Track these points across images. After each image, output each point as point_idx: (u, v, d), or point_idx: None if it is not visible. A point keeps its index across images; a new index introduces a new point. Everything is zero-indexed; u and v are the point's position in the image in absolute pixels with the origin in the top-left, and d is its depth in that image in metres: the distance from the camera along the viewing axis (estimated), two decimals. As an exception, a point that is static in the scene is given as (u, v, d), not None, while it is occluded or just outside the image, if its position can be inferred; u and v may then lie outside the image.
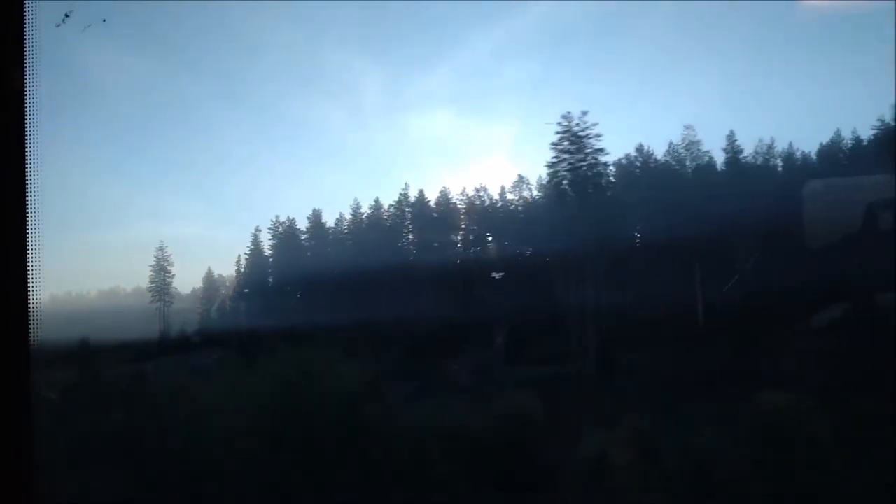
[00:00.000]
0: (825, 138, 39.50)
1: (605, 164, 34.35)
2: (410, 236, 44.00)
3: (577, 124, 32.70)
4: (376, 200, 44.81)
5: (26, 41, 3.18)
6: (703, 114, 51.95)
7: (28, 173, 3.19)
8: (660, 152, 40.30)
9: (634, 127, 53.49)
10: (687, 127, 39.07)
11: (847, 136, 38.51)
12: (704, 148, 39.06)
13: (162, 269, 43.90)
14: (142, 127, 53.05)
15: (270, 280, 46.29)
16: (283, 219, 45.92)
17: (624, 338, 29.23)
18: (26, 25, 3.17)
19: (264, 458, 17.95)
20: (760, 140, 39.27)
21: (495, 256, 41.65)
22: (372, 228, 44.21)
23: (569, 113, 32.75)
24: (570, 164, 33.50)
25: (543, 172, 38.76)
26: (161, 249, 43.72)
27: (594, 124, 32.74)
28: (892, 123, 29.59)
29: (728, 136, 38.60)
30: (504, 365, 31.03)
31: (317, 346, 25.09)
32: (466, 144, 59.81)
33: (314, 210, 45.51)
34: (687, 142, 39.06)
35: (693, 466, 16.97)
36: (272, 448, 18.19)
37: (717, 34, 46.93)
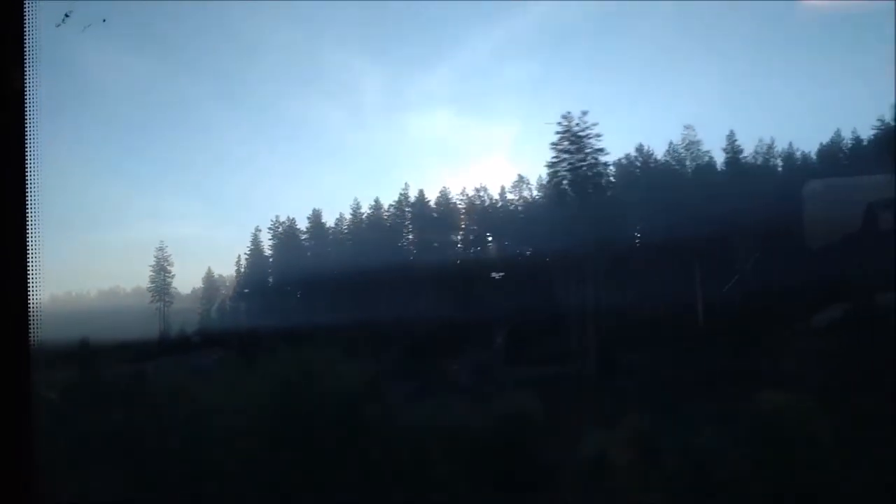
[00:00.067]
0: (825, 138, 39.57)
1: (605, 164, 34.39)
2: (410, 236, 44.01)
3: (577, 124, 32.73)
4: (376, 200, 44.87)
5: (26, 41, 3.18)
6: (703, 114, 52.04)
7: (28, 173, 3.19)
8: (660, 152, 40.36)
9: (634, 127, 53.56)
10: (687, 127, 39.12)
11: (847, 136, 38.58)
12: (705, 148, 39.12)
13: (162, 269, 43.93)
14: (142, 127, 53.10)
15: (270, 280, 46.29)
16: (283, 219, 45.98)
17: (624, 338, 29.24)
18: (26, 25, 3.17)
19: (264, 458, 17.95)
20: (760, 140, 39.32)
21: (495, 256, 41.65)
22: (372, 228, 44.20)
23: (569, 113, 32.79)
24: (570, 164, 33.51)
25: (543, 172, 38.83)
26: (161, 249, 43.77)
27: (594, 124, 32.79)
28: (892, 123, 29.60)
29: (728, 136, 38.65)
30: (504, 365, 31.02)
31: (317, 346, 25.10)
32: (466, 144, 59.85)
33: (314, 210, 45.57)
34: (687, 142, 39.09)
35: (693, 466, 16.97)
36: (272, 448, 18.19)
37: (716, 34, 46.97)
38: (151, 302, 43.54)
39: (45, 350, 3.32)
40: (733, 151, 38.66)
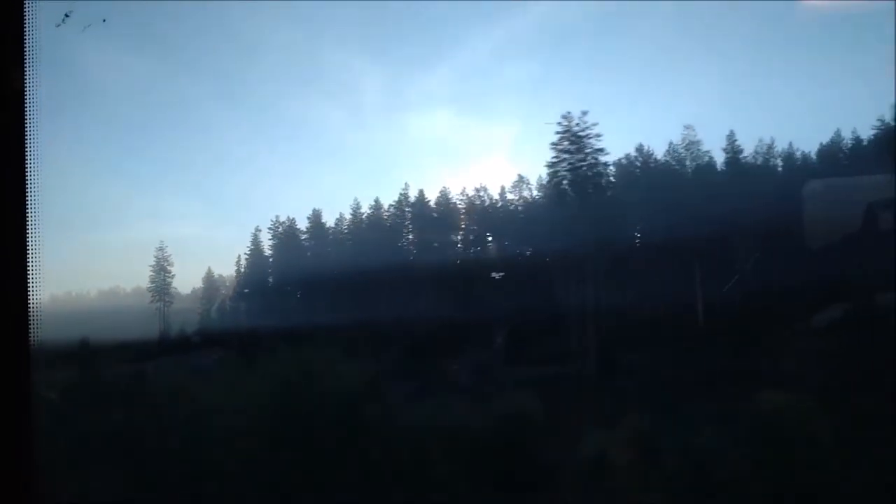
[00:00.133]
0: (825, 138, 39.58)
1: (605, 164, 34.37)
2: (410, 236, 44.01)
3: (577, 124, 32.71)
4: (376, 200, 44.87)
5: (26, 41, 3.18)
6: (703, 113, 52.07)
7: (28, 173, 3.19)
8: (660, 152, 40.35)
9: (635, 127, 53.57)
10: (687, 127, 39.11)
11: (847, 136, 38.58)
12: (705, 148, 39.11)
13: (162, 269, 43.92)
14: (142, 127, 53.09)
15: (270, 280, 46.29)
16: (283, 219, 45.98)
17: (624, 338, 29.23)
18: (26, 25, 3.17)
19: (264, 458, 17.95)
20: (760, 140, 39.33)
21: (495, 256, 41.64)
22: (372, 228, 44.20)
23: (569, 113, 32.78)
24: (570, 164, 33.49)
25: (543, 172, 38.81)
26: (161, 249, 43.77)
27: (594, 124, 32.77)
28: (892, 123, 29.58)
29: (728, 136, 38.64)
30: (504, 365, 31.02)
31: (317, 346, 25.09)
32: (466, 144, 59.86)
33: (314, 210, 45.57)
34: (687, 142, 39.08)
35: (693, 466, 16.97)
36: (272, 448, 18.19)
37: (716, 34, 46.97)
38: (151, 302, 43.56)
39: (45, 350, 3.32)
40: (733, 151, 38.68)
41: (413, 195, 43.86)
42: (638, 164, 40.55)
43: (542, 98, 55.12)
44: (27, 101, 3.20)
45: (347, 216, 45.19)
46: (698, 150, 38.99)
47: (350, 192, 57.04)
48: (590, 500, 17.72)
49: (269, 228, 45.97)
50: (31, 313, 3.17)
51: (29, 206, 3.19)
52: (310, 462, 18.00)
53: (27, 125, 3.18)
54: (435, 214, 43.22)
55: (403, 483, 17.64)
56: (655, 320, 30.29)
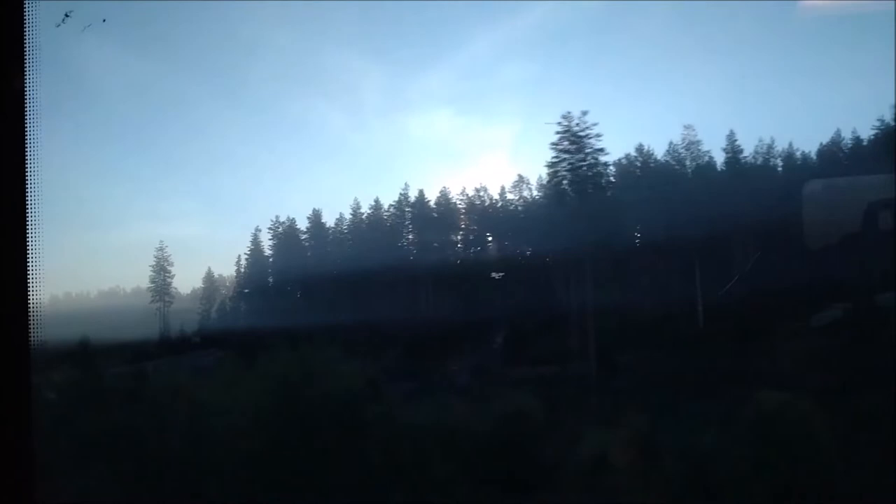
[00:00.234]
0: (825, 138, 39.63)
1: (605, 164, 34.35)
2: (410, 236, 44.02)
3: (577, 124, 32.69)
4: (376, 200, 44.88)
5: (26, 41, 3.17)
6: (703, 113, 52.18)
7: (28, 173, 3.19)
8: (660, 152, 40.35)
9: (636, 127, 53.81)
10: (687, 127, 39.12)
11: (847, 136, 38.60)
12: (705, 148, 39.12)
13: (162, 270, 43.95)
14: (142, 127, 53.15)
15: (270, 280, 46.30)
16: (283, 219, 45.99)
17: (623, 338, 29.26)
18: (26, 25, 3.16)
19: (264, 459, 17.96)
20: (760, 140, 39.39)
21: (495, 256, 41.66)
22: (372, 228, 44.21)
23: (569, 113, 32.75)
24: (570, 164, 33.48)
25: (543, 172, 38.79)
26: (161, 249, 43.77)
27: (594, 124, 32.75)
28: (892, 123, 29.56)
29: (728, 135, 38.66)
30: (504, 365, 31.04)
31: (317, 346, 25.07)
32: (466, 144, 59.98)
33: (314, 210, 45.59)
34: (687, 142, 39.08)
35: (692, 467, 16.99)
36: (270, 448, 18.20)
37: (716, 34, 46.95)
38: (151, 302, 43.58)
39: (45, 350, 3.33)
40: (733, 151, 38.70)
41: (413, 195, 43.92)
42: (638, 164, 40.56)
43: (542, 98, 55.29)
44: (27, 101, 3.19)
45: (347, 216, 45.25)
46: (698, 150, 39.04)
47: (350, 192, 57.05)
48: (588, 501, 17.73)
49: (269, 228, 46.05)
50: (31, 314, 3.17)
51: (29, 207, 3.19)
52: (308, 462, 18.01)
53: (27, 125, 3.18)
54: (435, 214, 43.23)
55: (402, 483, 17.66)
56: (655, 320, 30.33)
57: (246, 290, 46.90)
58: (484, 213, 43.40)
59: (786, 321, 27.04)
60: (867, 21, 36.54)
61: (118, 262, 59.62)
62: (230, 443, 18.41)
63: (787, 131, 47.46)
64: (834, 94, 47.38)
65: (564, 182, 34.21)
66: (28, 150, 3.18)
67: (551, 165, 33.98)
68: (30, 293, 3.16)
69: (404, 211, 44.14)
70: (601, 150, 33.27)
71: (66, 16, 4.29)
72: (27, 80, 3.19)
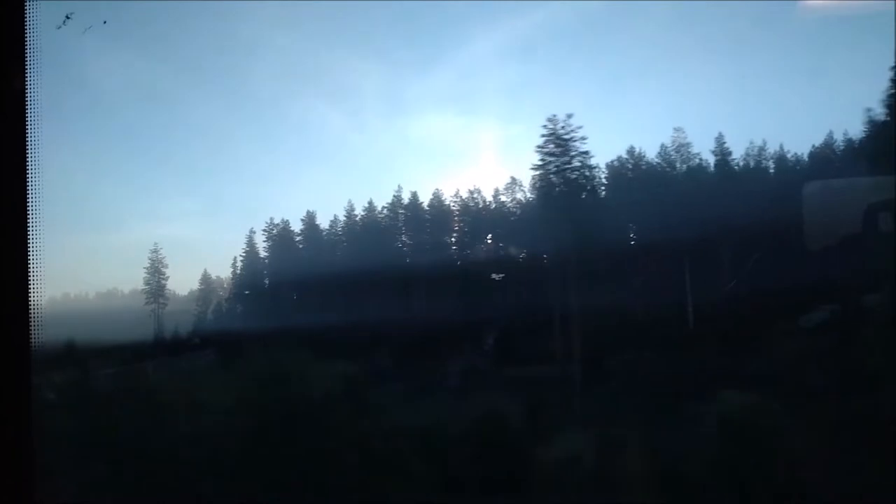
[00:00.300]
0: (818, 140, 39.74)
1: (591, 167, 34.34)
2: (404, 238, 44.03)
3: (563, 127, 32.69)
4: (370, 202, 44.91)
5: (27, 42, 3.18)
6: (702, 115, 52.01)
7: (28, 174, 3.20)
8: (652, 154, 40.36)
9: (636, 127, 53.85)
10: (677, 129, 39.17)
11: (839, 137, 38.73)
12: (700, 150, 39.19)
13: (156, 272, 43.78)
14: (141, 128, 52.92)
15: (265, 282, 46.24)
16: (277, 221, 45.97)
17: (613, 340, 29.31)
18: (27, 26, 3.18)
19: (259, 459, 17.96)
20: (751, 142, 39.54)
21: (487, 258, 41.70)
22: (366, 230, 44.20)
23: (554, 116, 32.77)
24: (556, 166, 33.48)
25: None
26: (155, 251, 43.62)
27: (579, 127, 32.73)
28: (882, 118, 29.50)
29: (717, 138, 38.75)
30: (495, 366, 31.10)
31: (311, 348, 25.12)
32: (466, 145, 60.04)
33: (308, 212, 45.57)
34: (677, 144, 39.17)
35: (682, 468, 17.08)
36: (256, 449, 18.22)
37: (716, 34, 47.02)
38: (146, 304, 43.42)
39: (44, 351, 3.33)
40: (722, 154, 38.79)
41: (406, 197, 43.97)
42: (629, 166, 40.64)
43: (542, 99, 55.31)
44: (27, 102, 3.20)
45: (342, 218, 45.26)
46: (688, 152, 39.14)
47: (350, 193, 56.76)
48: (572, 501, 17.81)
49: (264, 230, 45.99)
50: (31, 315, 3.18)
51: (29, 208, 3.20)
52: (302, 463, 18.02)
53: (27, 126, 3.19)
54: (428, 216, 43.26)
55: (388, 483, 17.72)
56: (645, 322, 30.42)
57: (241, 292, 46.82)
58: (477, 215, 43.45)
59: (775, 323, 27.16)
60: (867, 21, 36.55)
61: (116, 263, 59.17)
62: (225, 443, 18.44)
63: (781, 133, 47.50)
64: (832, 95, 47.51)
65: (550, 185, 34.21)
66: (28, 150, 3.19)
67: (537, 168, 34.02)
68: (30, 294, 3.17)
69: (398, 213, 44.17)
70: (586, 152, 33.31)
71: (67, 17, 4.30)
72: (27, 81, 3.20)
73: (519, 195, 43.19)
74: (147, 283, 43.43)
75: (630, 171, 40.49)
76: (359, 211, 44.98)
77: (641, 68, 49.71)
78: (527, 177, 45.31)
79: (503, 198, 43.59)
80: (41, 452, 3.26)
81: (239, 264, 47.06)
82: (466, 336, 33.70)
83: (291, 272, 43.30)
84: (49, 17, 3.38)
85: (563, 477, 18.02)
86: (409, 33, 50.71)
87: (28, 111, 3.19)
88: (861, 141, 34.06)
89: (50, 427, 16.81)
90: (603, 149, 43.32)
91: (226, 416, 19.69)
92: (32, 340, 3.18)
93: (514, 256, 41.42)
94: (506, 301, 37.78)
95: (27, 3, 3.15)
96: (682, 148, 39.12)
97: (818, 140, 39.66)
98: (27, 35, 3.17)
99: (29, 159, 3.19)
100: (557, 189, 33.72)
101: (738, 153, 39.25)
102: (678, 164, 39.43)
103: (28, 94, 3.20)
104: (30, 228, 3.19)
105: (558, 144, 33.12)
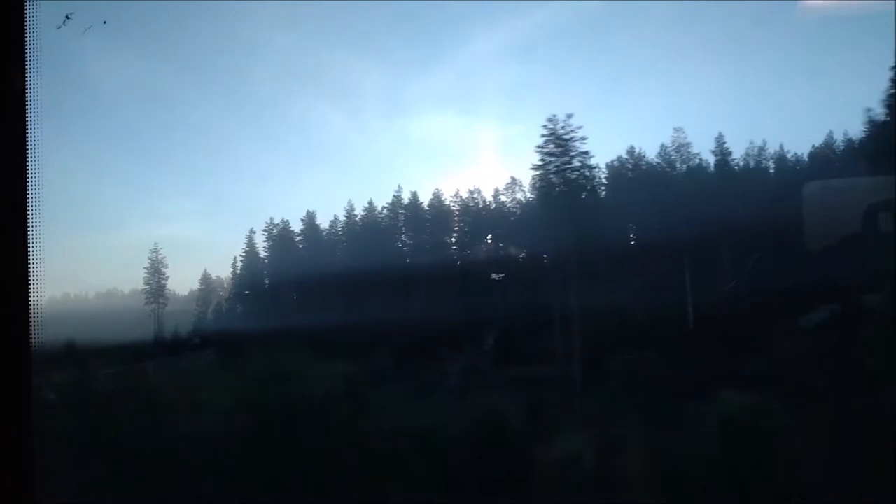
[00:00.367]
0: (818, 140, 39.72)
1: (591, 167, 34.34)
2: (404, 238, 44.04)
3: (563, 127, 32.68)
4: (370, 202, 44.91)
5: (27, 42, 3.18)
6: (702, 115, 51.94)
7: (28, 174, 3.20)
8: (652, 154, 40.34)
9: (636, 127, 53.80)
10: (676, 129, 39.15)
11: (839, 137, 38.72)
12: (700, 150, 39.17)
13: (156, 272, 43.77)
14: (141, 128, 52.90)
15: (265, 282, 46.24)
16: (276, 221, 45.98)
17: (613, 339, 29.31)
18: (27, 26, 3.18)
19: (259, 459, 17.97)
20: (751, 142, 39.53)
21: (487, 258, 41.70)
22: (366, 230, 44.21)
23: (554, 116, 32.76)
24: (556, 166, 33.48)
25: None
26: (155, 251, 43.61)
27: (579, 127, 32.73)
28: (882, 117, 29.52)
29: (717, 138, 38.73)
30: (495, 366, 31.11)
31: (311, 348, 25.13)
32: (466, 145, 60.00)
33: (308, 212, 45.57)
34: (677, 144, 39.16)
35: (682, 468, 17.08)
36: (266, 449, 18.21)
37: (716, 34, 46.98)
38: (146, 304, 43.41)
39: (44, 351, 3.33)
40: (722, 154, 38.78)
41: (406, 197, 43.97)
42: (629, 166, 40.63)
43: (542, 99, 55.28)
44: (27, 102, 3.20)
45: (342, 218, 45.27)
46: (688, 152, 39.12)
47: (349, 193, 56.83)
48: (572, 501, 17.81)
49: (264, 230, 45.99)
50: (31, 315, 3.18)
51: (29, 208, 3.20)
52: (301, 463, 18.03)
53: (27, 126, 3.19)
54: (428, 217, 43.26)
55: (388, 483, 17.73)
56: (645, 322, 30.42)
57: (241, 292, 46.82)
58: (477, 216, 43.45)
59: (775, 323, 27.17)
60: (867, 21, 36.50)
61: (116, 263, 59.12)
62: (225, 443, 18.45)
63: (781, 133, 47.42)
64: (832, 95, 47.47)
65: (550, 185, 34.21)
66: (28, 150, 3.19)
67: (537, 168, 34.01)
68: (30, 294, 3.17)
69: (398, 213, 44.17)
70: (586, 152, 33.30)
71: (67, 17, 4.30)
72: (27, 81, 3.20)
73: (519, 195, 43.21)
74: (147, 283, 43.45)
75: (630, 171, 40.47)
76: (359, 211, 45.03)
77: (641, 68, 49.69)
78: (527, 177, 45.27)
79: (503, 198, 43.62)
80: (41, 452, 3.26)
81: (239, 264, 47.09)
82: (466, 336, 33.70)
83: (291, 272, 43.29)
84: (49, 17, 3.38)
85: (563, 477, 18.02)
86: (409, 33, 50.67)
87: (28, 111, 3.19)
88: (861, 141, 34.03)
89: (50, 427, 16.81)
90: (603, 149, 43.30)
91: (226, 416, 19.71)
92: (32, 340, 3.18)
93: (514, 256, 41.41)
94: (506, 301, 37.78)
95: (27, 3, 3.15)
96: (682, 148, 39.13)
97: (818, 140, 39.68)
98: (27, 35, 3.17)
99: (29, 159, 3.19)
100: (557, 189, 33.71)
101: (738, 153, 39.27)
102: (678, 164, 39.43)
103: (28, 94, 3.20)
104: (30, 228, 3.19)
105: (558, 144, 33.12)
